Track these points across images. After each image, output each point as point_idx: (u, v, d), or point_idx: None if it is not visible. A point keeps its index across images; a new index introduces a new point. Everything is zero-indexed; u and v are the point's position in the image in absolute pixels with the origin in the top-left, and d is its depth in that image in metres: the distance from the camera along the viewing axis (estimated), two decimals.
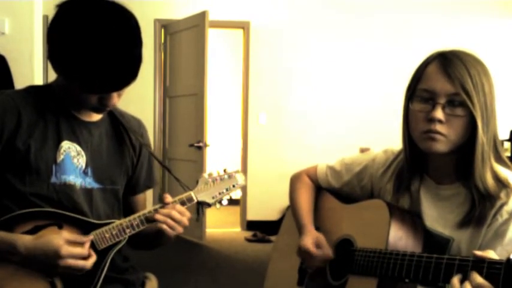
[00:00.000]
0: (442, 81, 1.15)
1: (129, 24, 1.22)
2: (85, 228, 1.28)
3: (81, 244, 1.22)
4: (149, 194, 5.23)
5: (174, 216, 1.29)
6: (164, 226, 1.28)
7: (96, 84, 1.21)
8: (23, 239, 1.19)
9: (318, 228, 1.52)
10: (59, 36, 1.20)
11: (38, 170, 1.27)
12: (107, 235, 1.27)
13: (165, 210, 1.30)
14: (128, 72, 1.23)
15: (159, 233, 1.32)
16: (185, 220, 1.31)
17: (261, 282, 1.74)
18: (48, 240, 1.18)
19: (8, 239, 1.19)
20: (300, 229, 1.51)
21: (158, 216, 1.29)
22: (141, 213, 1.31)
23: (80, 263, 1.19)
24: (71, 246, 1.19)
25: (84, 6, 1.20)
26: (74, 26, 1.18)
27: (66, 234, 1.21)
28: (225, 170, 1.43)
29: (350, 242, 1.37)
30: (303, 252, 1.44)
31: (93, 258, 1.23)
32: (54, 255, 1.17)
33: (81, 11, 1.19)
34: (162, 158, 5.38)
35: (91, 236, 1.25)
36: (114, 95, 1.28)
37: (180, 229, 1.31)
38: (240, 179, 1.42)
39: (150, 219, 1.30)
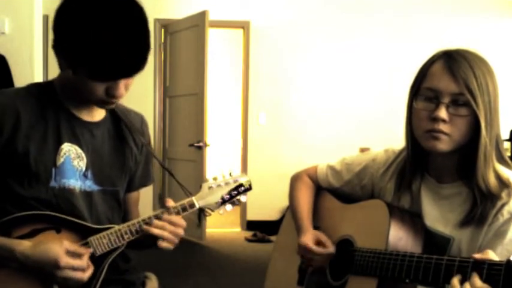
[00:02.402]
0: (447, 81, 1.15)
1: (137, 8, 1.20)
2: (83, 232, 1.25)
3: (80, 255, 1.19)
4: (149, 194, 5.24)
5: (170, 229, 1.26)
6: (161, 242, 1.25)
7: (105, 69, 1.16)
8: (22, 246, 1.17)
9: (317, 228, 1.52)
10: (67, 21, 1.17)
11: (37, 174, 1.25)
12: (104, 241, 1.25)
13: (159, 223, 1.26)
14: (137, 57, 1.19)
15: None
16: (181, 232, 1.28)
17: (261, 282, 1.73)
18: (47, 249, 1.16)
19: (6, 244, 1.17)
20: (298, 229, 1.51)
21: (156, 231, 1.25)
22: (140, 218, 1.28)
23: (78, 275, 1.17)
24: (70, 257, 1.17)
25: None
26: (82, 10, 1.16)
27: (67, 243, 1.18)
28: (230, 174, 1.37)
29: (350, 242, 1.37)
30: (302, 250, 1.43)
31: (90, 270, 1.20)
32: (52, 265, 1.15)
33: None
34: (162, 157, 5.38)
35: (90, 249, 1.23)
36: (121, 85, 1.23)
37: (176, 241, 1.28)
38: (246, 184, 1.37)
39: (145, 233, 1.26)
